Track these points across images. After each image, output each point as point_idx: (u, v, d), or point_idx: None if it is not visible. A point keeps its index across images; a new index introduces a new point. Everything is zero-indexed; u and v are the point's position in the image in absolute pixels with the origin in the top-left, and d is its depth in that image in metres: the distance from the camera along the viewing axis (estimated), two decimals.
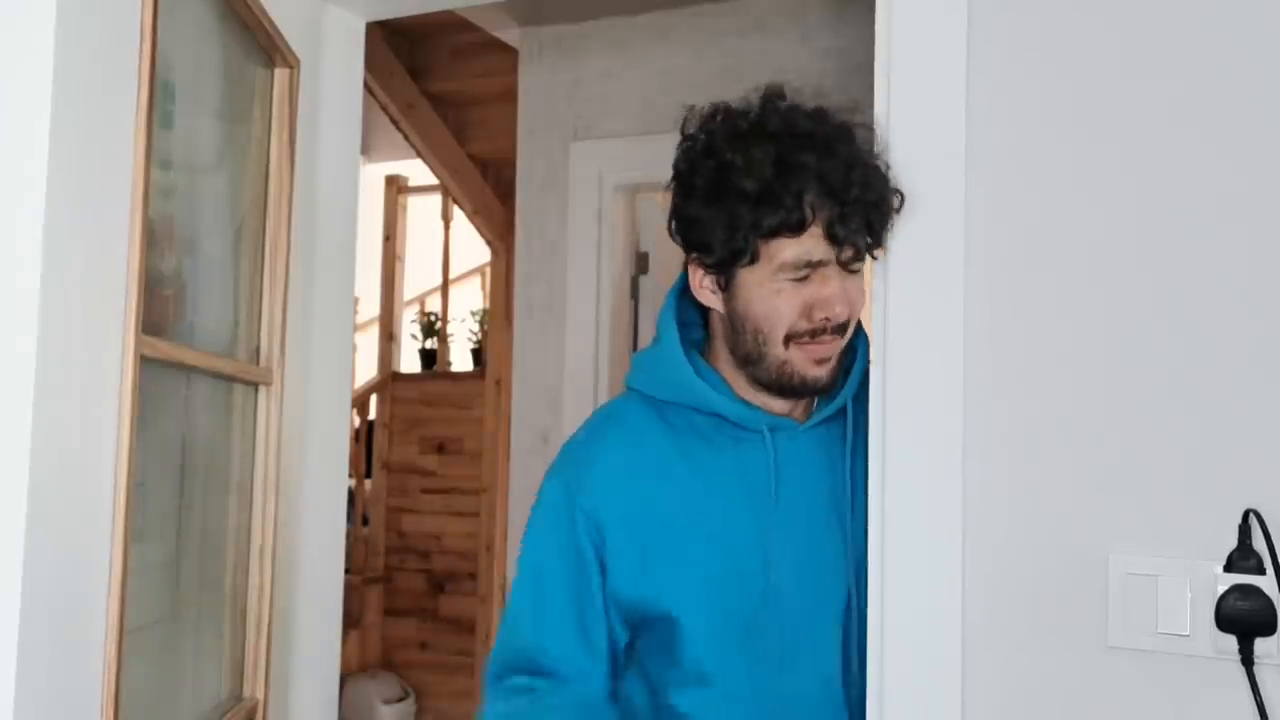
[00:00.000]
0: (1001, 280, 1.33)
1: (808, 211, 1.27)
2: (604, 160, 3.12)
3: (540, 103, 3.22)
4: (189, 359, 1.35)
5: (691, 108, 1.37)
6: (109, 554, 1.13)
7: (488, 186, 4.37)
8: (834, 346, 1.35)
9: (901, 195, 1.32)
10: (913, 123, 1.36)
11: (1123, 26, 1.29)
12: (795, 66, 2.89)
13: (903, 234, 1.35)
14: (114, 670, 1.12)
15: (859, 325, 1.42)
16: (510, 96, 3.32)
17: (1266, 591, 1.18)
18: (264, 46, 1.56)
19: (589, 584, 1.37)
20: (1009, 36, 1.34)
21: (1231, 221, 1.23)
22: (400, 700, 4.92)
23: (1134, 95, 1.28)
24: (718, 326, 1.41)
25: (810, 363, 1.35)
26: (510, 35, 3.36)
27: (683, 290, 1.44)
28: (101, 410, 1.12)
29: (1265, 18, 1.23)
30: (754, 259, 1.31)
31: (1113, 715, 1.26)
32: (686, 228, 1.35)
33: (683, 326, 1.44)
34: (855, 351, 1.43)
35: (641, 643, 1.41)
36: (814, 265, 1.30)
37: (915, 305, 1.35)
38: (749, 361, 1.37)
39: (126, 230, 1.15)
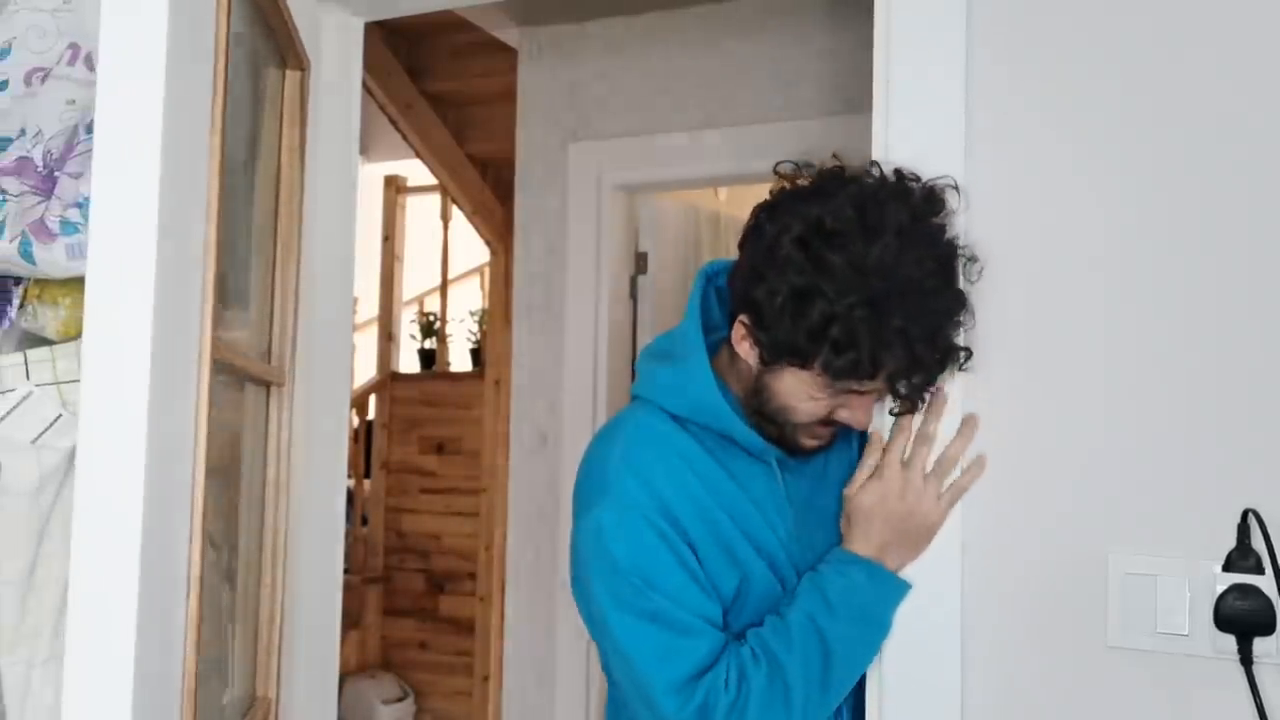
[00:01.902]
0: (1000, 281, 1.33)
1: (883, 365, 1.24)
2: (603, 160, 3.12)
3: (539, 103, 3.22)
4: (237, 361, 1.35)
5: (803, 165, 1.32)
6: (187, 547, 1.14)
7: (487, 186, 4.37)
8: (835, 430, 1.36)
9: (970, 351, 1.31)
10: (912, 123, 1.36)
11: (1124, 24, 1.29)
12: (794, 67, 2.89)
13: None
14: (192, 657, 1.14)
15: None
16: (509, 96, 3.31)
17: (1265, 591, 1.18)
18: (281, 48, 1.56)
19: (701, 578, 1.33)
20: (1008, 36, 1.34)
21: (1231, 222, 1.24)
22: (399, 700, 4.93)
23: (1136, 93, 1.28)
24: (741, 362, 1.37)
25: (809, 437, 1.36)
26: (509, 35, 3.36)
27: (703, 294, 1.42)
28: (186, 412, 1.13)
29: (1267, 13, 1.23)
30: (805, 366, 1.29)
31: (1112, 715, 1.26)
32: (753, 304, 1.30)
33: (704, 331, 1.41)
34: None
35: None
36: (867, 393, 1.30)
37: None
38: (758, 412, 1.36)
39: (204, 233, 1.15)
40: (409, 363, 5.71)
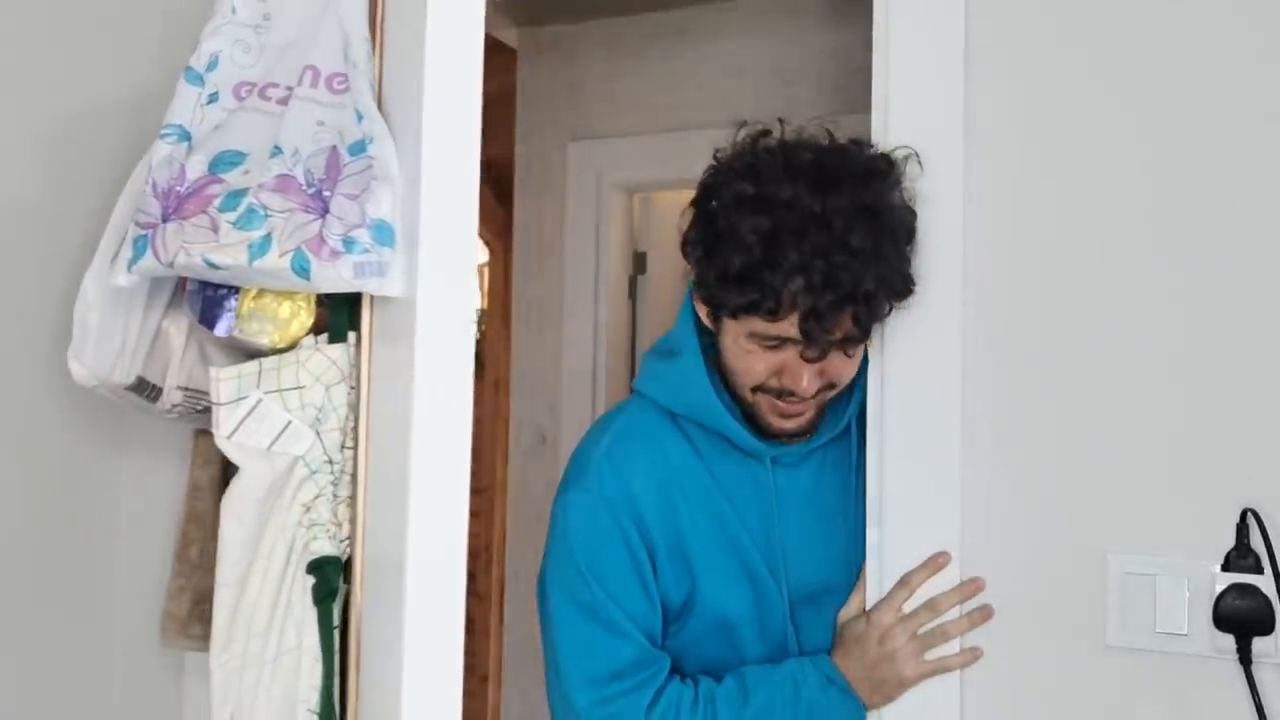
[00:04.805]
0: (1000, 282, 1.33)
1: (785, 301, 1.22)
2: (602, 160, 3.11)
3: (538, 103, 3.22)
4: None
5: (741, 125, 1.34)
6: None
7: (486, 186, 4.36)
8: (801, 409, 1.33)
9: (909, 287, 1.29)
10: (911, 124, 1.36)
11: (1123, 23, 1.29)
12: (793, 67, 2.89)
13: None
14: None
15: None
16: (508, 96, 3.31)
17: (1264, 590, 1.18)
18: None
19: (649, 585, 1.35)
20: (1007, 36, 1.34)
21: (1230, 221, 1.24)
22: None
23: (1135, 93, 1.28)
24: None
25: (775, 415, 1.34)
26: (508, 35, 3.36)
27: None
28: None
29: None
30: (733, 316, 1.30)
31: (1111, 714, 1.26)
32: (695, 266, 1.34)
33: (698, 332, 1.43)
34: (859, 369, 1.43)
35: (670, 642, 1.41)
36: (783, 339, 1.27)
37: (913, 308, 1.35)
38: (731, 394, 1.38)
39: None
40: None
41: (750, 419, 1.37)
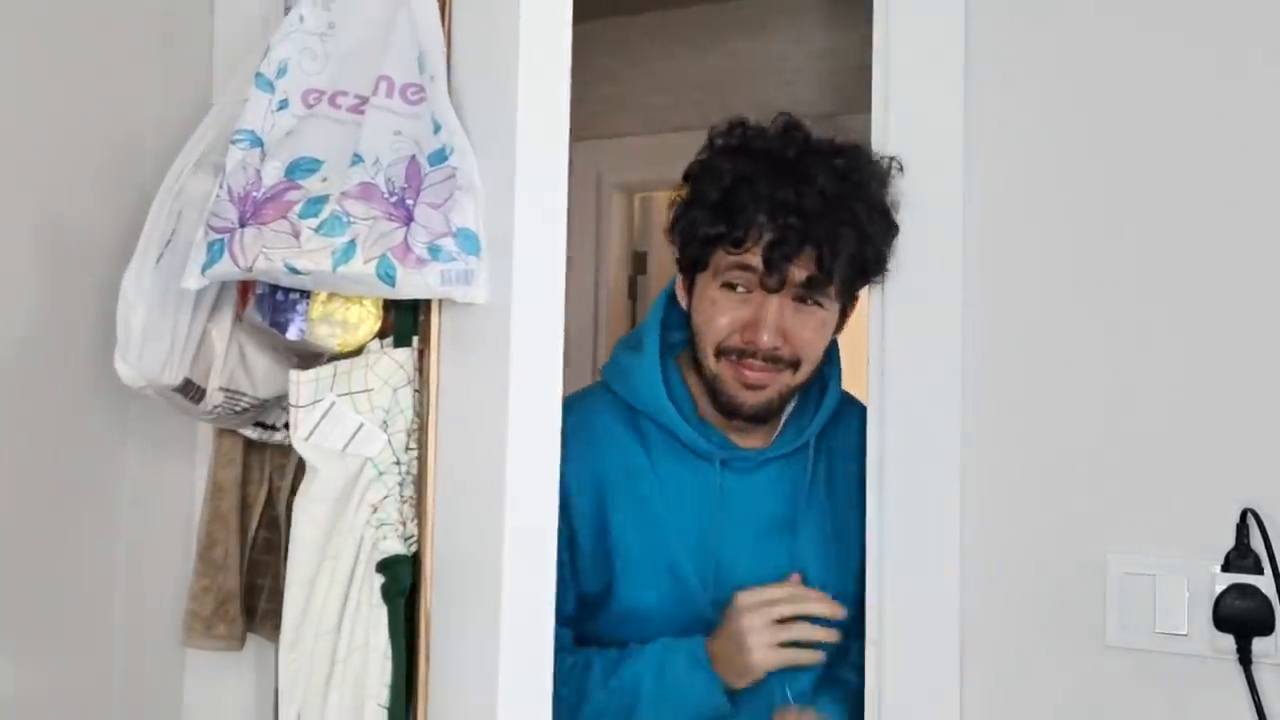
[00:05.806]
0: (1000, 282, 1.33)
1: (752, 233, 1.29)
2: (603, 160, 3.11)
3: None
4: None
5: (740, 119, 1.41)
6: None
7: None
8: (763, 375, 1.34)
9: (879, 258, 1.32)
10: (911, 124, 1.36)
11: (1121, 25, 1.29)
12: (793, 67, 2.90)
13: (900, 237, 1.36)
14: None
15: (834, 355, 1.45)
16: None
17: (1264, 591, 1.18)
18: None
19: (563, 570, 1.37)
20: (1008, 37, 1.34)
21: (1228, 222, 1.24)
22: None
23: (1136, 93, 1.28)
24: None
25: (738, 384, 1.35)
26: None
27: (673, 292, 1.46)
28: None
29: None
30: (705, 265, 1.35)
31: (1110, 714, 1.26)
32: (674, 218, 1.41)
33: (668, 328, 1.45)
34: (827, 384, 1.45)
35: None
36: (749, 273, 1.31)
37: (913, 308, 1.35)
38: (698, 368, 1.39)
39: None
40: None
41: (716, 397, 1.38)
